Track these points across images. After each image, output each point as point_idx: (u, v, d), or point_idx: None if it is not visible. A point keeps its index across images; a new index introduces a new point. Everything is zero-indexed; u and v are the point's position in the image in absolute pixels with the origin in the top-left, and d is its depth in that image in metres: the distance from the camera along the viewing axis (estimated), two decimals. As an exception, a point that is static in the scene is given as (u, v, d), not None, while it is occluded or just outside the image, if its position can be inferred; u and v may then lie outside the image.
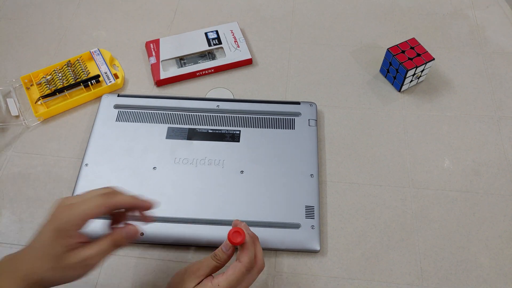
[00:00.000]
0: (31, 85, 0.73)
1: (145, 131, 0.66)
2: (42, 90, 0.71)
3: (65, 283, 0.42)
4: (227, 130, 0.66)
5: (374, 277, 0.56)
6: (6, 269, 0.41)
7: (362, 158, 0.66)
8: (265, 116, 0.67)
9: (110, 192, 0.44)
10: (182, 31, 0.81)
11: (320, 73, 0.75)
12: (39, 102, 0.70)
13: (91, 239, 0.43)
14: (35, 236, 0.42)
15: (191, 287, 0.43)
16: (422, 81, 0.74)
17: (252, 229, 0.57)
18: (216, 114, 0.68)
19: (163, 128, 0.66)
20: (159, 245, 0.58)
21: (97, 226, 0.46)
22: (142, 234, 0.57)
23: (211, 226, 0.58)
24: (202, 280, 0.44)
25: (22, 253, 0.42)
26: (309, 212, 0.58)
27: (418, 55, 0.69)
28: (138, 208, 0.46)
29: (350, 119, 0.70)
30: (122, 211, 0.47)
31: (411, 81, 0.72)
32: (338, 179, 0.64)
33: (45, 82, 0.72)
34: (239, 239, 0.44)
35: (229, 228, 0.57)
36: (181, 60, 0.76)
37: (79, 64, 0.74)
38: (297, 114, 0.68)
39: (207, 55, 0.77)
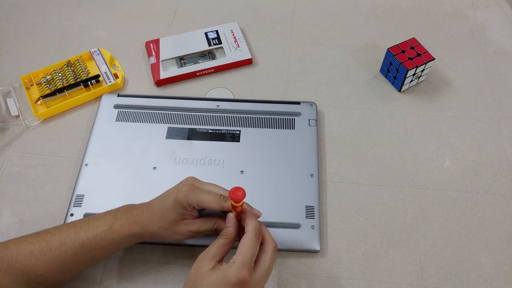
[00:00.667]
0: (31, 85, 0.73)
1: (145, 131, 0.66)
2: (42, 90, 0.71)
3: (171, 241, 0.54)
4: (227, 130, 0.66)
5: (374, 277, 0.55)
6: (126, 213, 0.51)
7: (362, 158, 0.66)
8: (265, 116, 0.67)
9: (221, 200, 0.49)
10: (182, 31, 0.81)
11: (320, 73, 0.75)
12: (39, 102, 0.70)
13: (199, 216, 0.52)
14: (158, 198, 0.52)
15: (206, 269, 0.44)
16: (422, 81, 0.74)
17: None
18: (216, 114, 0.68)
19: (163, 128, 0.66)
20: (159, 245, 0.58)
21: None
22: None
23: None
24: (217, 263, 0.45)
25: (143, 207, 0.52)
26: (309, 212, 0.58)
27: (418, 55, 0.69)
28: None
29: (350, 119, 0.70)
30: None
31: (411, 81, 0.72)
32: (338, 179, 0.63)
33: (45, 82, 0.72)
34: (240, 193, 0.45)
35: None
36: (181, 60, 0.76)
37: (79, 64, 0.74)
38: (297, 114, 0.68)
39: (207, 55, 0.77)
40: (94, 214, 0.58)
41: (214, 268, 0.44)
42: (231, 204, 0.47)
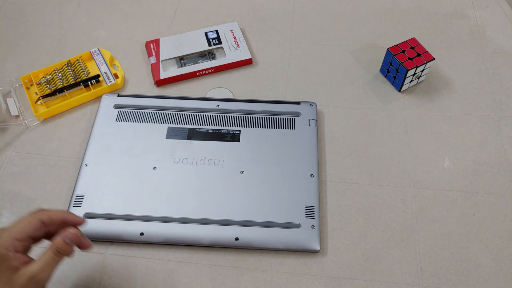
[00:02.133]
0: (31, 85, 0.73)
1: (145, 131, 0.66)
2: (42, 90, 0.71)
3: None
4: (227, 130, 0.66)
5: (374, 277, 0.55)
6: None
7: (362, 158, 0.66)
8: (265, 116, 0.67)
9: (40, 210, 0.44)
10: (182, 31, 0.81)
11: (320, 73, 0.75)
12: (39, 102, 0.70)
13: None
14: None
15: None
16: (422, 81, 0.74)
17: (253, 229, 0.57)
18: (216, 114, 0.68)
19: (163, 128, 0.66)
20: (159, 245, 0.58)
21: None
22: (142, 234, 0.57)
23: (211, 226, 0.58)
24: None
25: None
26: (309, 212, 0.58)
27: (418, 55, 0.69)
28: (70, 223, 0.46)
29: (350, 119, 0.70)
30: (56, 230, 0.46)
31: (411, 81, 0.72)
32: (338, 179, 0.63)
33: (45, 82, 0.72)
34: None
35: (227, 227, 0.57)
36: (181, 60, 0.76)
37: (79, 64, 0.74)
38: (297, 114, 0.68)
39: (207, 55, 0.77)
40: (94, 214, 0.58)
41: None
42: None
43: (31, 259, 0.43)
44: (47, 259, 0.43)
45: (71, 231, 0.44)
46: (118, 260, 0.57)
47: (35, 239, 0.45)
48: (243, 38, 0.78)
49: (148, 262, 0.57)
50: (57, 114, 0.71)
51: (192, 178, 0.61)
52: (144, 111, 0.68)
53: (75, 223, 0.47)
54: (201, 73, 0.75)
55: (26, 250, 0.44)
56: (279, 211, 0.59)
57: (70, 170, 0.64)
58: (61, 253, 0.44)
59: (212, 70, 0.75)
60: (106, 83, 0.72)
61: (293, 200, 0.59)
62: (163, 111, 0.68)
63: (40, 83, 0.72)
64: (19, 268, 0.41)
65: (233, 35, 0.79)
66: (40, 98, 0.70)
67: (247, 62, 0.76)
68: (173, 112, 0.68)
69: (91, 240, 0.58)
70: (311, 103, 0.69)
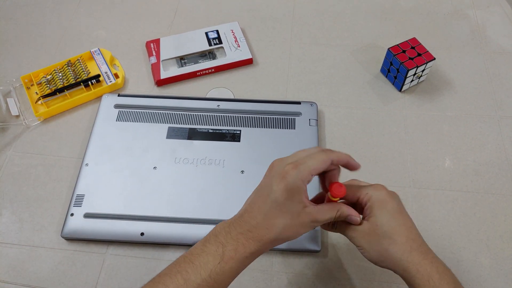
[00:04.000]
0: (31, 85, 0.73)
1: (146, 130, 0.66)
2: (42, 89, 0.71)
3: (290, 240, 0.44)
4: (227, 130, 0.66)
5: (375, 277, 0.55)
6: (232, 234, 0.43)
7: (362, 158, 0.66)
8: (266, 116, 0.67)
9: (327, 149, 0.46)
10: (182, 30, 0.81)
11: (321, 73, 0.75)
12: (39, 102, 0.70)
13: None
14: (260, 199, 0.44)
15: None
16: (422, 80, 0.74)
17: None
18: (217, 114, 0.68)
19: (163, 127, 0.66)
20: (159, 245, 0.58)
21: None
22: (142, 234, 0.57)
23: (211, 226, 0.57)
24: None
25: (247, 218, 0.43)
26: (310, 212, 0.58)
27: (419, 54, 0.69)
28: (351, 167, 0.47)
29: (350, 118, 0.70)
30: (335, 169, 0.47)
31: (412, 80, 0.71)
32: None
33: (45, 81, 0.72)
34: (342, 190, 0.44)
35: None
36: (182, 60, 0.76)
37: (80, 64, 0.74)
38: (298, 114, 0.68)
39: (208, 54, 0.77)
40: (95, 214, 0.58)
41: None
42: (328, 197, 0.46)
43: (322, 206, 0.45)
44: (330, 215, 0.44)
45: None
46: (119, 260, 0.57)
47: None
48: (244, 38, 0.78)
49: (148, 262, 0.57)
50: (57, 114, 0.71)
51: (192, 178, 0.61)
52: (144, 111, 0.68)
53: (355, 168, 0.48)
54: (201, 73, 0.75)
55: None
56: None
57: (70, 170, 0.64)
58: (337, 219, 0.45)
59: (213, 70, 0.75)
60: (107, 83, 0.72)
61: (294, 200, 0.59)
62: (163, 111, 0.68)
63: (40, 83, 0.72)
64: (307, 206, 0.43)
65: (233, 35, 0.79)
66: (41, 98, 0.70)
67: (248, 62, 0.76)
68: (173, 112, 0.68)
69: (92, 240, 0.58)
70: (311, 103, 0.69)
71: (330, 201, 0.46)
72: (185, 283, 0.41)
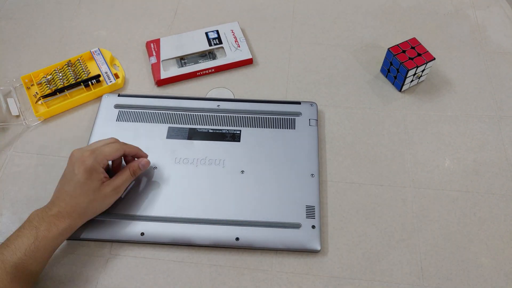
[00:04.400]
0: (31, 85, 0.73)
1: (146, 131, 0.66)
2: (42, 89, 0.71)
3: (101, 211, 0.55)
4: (227, 130, 0.66)
5: (375, 277, 0.55)
6: (44, 217, 0.51)
7: (362, 158, 0.66)
8: (266, 116, 0.67)
9: (119, 141, 0.58)
10: (182, 30, 0.81)
11: (321, 73, 0.75)
12: (39, 102, 0.70)
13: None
14: (67, 183, 0.53)
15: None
16: (422, 81, 0.74)
17: (253, 228, 0.57)
18: (217, 114, 0.68)
19: (163, 128, 0.66)
20: (159, 245, 0.58)
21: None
22: (142, 234, 0.57)
23: (211, 225, 0.58)
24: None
25: (56, 201, 0.53)
26: (310, 212, 0.58)
27: (419, 54, 0.69)
28: (139, 156, 0.60)
29: (350, 119, 0.70)
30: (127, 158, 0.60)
31: (412, 80, 0.72)
32: (338, 179, 0.63)
33: (45, 82, 0.72)
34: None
35: (227, 227, 0.57)
36: (182, 60, 0.76)
37: (80, 64, 0.74)
38: (298, 114, 0.68)
39: (208, 54, 0.77)
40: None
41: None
42: None
43: (117, 175, 0.56)
44: (126, 176, 0.57)
45: (144, 160, 0.59)
46: (119, 260, 0.57)
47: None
48: (244, 38, 0.78)
49: (148, 262, 0.57)
50: (57, 114, 0.71)
51: (192, 178, 0.61)
52: (144, 111, 0.68)
53: (142, 156, 0.60)
54: (201, 73, 0.75)
55: (106, 168, 0.56)
56: (279, 211, 0.59)
57: (70, 170, 0.64)
58: (135, 174, 0.58)
59: (213, 70, 0.75)
60: (107, 83, 0.72)
61: (294, 200, 0.59)
62: (163, 111, 0.68)
63: (40, 83, 0.72)
64: (105, 181, 0.55)
65: (233, 35, 0.79)
66: (41, 98, 0.70)
67: (248, 62, 0.76)
68: (173, 112, 0.68)
69: (92, 240, 0.58)
70: (311, 103, 0.69)
71: None
72: (2, 264, 0.47)
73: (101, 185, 0.54)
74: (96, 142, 0.57)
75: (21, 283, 0.48)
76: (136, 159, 0.60)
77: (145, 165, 0.59)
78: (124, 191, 0.58)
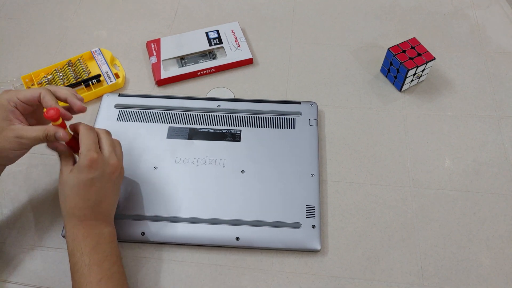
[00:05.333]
0: (32, 85, 0.73)
1: (146, 130, 0.66)
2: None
3: (2, 154, 0.49)
4: (228, 129, 0.66)
5: (375, 276, 0.56)
6: None
7: (362, 157, 0.66)
8: (266, 116, 0.67)
9: (46, 88, 0.51)
10: (183, 30, 0.81)
11: (321, 73, 0.75)
12: (40, 102, 0.70)
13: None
14: None
15: (66, 174, 0.50)
16: (422, 80, 0.74)
17: (253, 228, 0.57)
18: (217, 114, 0.68)
19: (164, 127, 0.66)
20: (160, 244, 0.58)
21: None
22: (142, 233, 0.57)
23: (211, 225, 0.58)
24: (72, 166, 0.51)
25: None
26: (310, 211, 0.59)
27: (419, 54, 0.69)
28: (72, 107, 0.52)
29: (350, 118, 0.70)
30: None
31: (412, 80, 0.72)
32: (338, 178, 0.64)
33: (46, 81, 0.72)
34: (52, 112, 0.47)
35: (228, 227, 0.57)
36: (182, 60, 0.76)
37: (80, 64, 0.74)
38: (298, 114, 0.68)
39: (208, 54, 0.77)
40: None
41: (71, 170, 0.50)
42: (52, 124, 0.49)
43: (25, 123, 0.50)
44: (37, 133, 0.49)
45: (61, 131, 0.49)
46: (119, 260, 0.57)
47: (35, 107, 0.52)
48: (244, 37, 0.78)
49: (149, 261, 0.57)
50: (58, 113, 0.71)
51: (193, 178, 0.61)
52: (145, 110, 0.68)
53: (76, 110, 0.52)
54: (202, 72, 0.75)
55: (25, 112, 0.51)
56: (279, 210, 0.59)
57: (71, 170, 0.64)
58: (47, 139, 0.49)
59: (213, 70, 0.75)
60: (107, 83, 0.72)
61: (294, 200, 0.59)
62: (164, 111, 0.68)
63: (41, 83, 0.72)
64: (14, 124, 0.49)
65: (234, 35, 0.79)
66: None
67: (248, 62, 0.76)
68: (174, 112, 0.68)
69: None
70: (311, 103, 0.69)
71: (59, 126, 0.49)
72: None
73: (7, 126, 0.49)
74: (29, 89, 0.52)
75: None
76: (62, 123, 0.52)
77: (61, 137, 0.50)
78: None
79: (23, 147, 0.50)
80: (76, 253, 0.48)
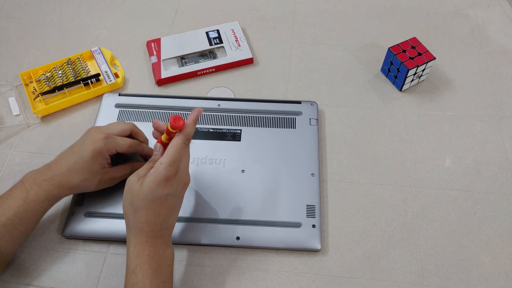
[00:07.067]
0: (30, 82, 0.72)
1: (146, 130, 0.66)
2: (41, 87, 0.71)
3: (87, 191, 0.56)
4: (228, 129, 0.66)
5: (375, 276, 0.56)
6: (36, 181, 0.52)
7: (363, 157, 0.66)
8: (266, 115, 0.67)
9: (137, 139, 0.58)
10: (183, 30, 0.81)
11: (321, 72, 0.75)
12: (38, 99, 0.70)
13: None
14: (71, 154, 0.54)
15: (138, 187, 0.48)
16: (423, 80, 0.74)
17: (253, 228, 0.57)
18: (217, 113, 0.68)
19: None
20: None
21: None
22: None
23: (212, 225, 0.58)
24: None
25: (53, 168, 0.53)
26: (310, 211, 0.58)
27: (419, 54, 0.69)
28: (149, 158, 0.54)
29: (351, 118, 0.70)
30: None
31: (412, 80, 0.72)
32: (339, 178, 0.64)
33: (44, 79, 0.72)
34: (181, 123, 0.49)
35: (228, 226, 0.57)
36: (182, 59, 0.76)
37: (80, 63, 0.74)
38: (298, 113, 0.68)
39: (208, 54, 0.77)
40: (95, 213, 0.58)
41: (143, 181, 0.48)
42: (167, 129, 0.50)
43: (118, 166, 0.57)
44: (125, 172, 0.57)
45: (143, 172, 0.50)
46: (119, 259, 0.57)
47: None
48: (244, 37, 0.78)
49: (149, 261, 0.57)
50: (57, 112, 0.70)
51: (193, 178, 0.61)
52: (145, 110, 0.68)
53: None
54: (202, 72, 0.75)
55: (113, 156, 0.56)
56: (280, 210, 0.59)
57: (71, 169, 0.64)
58: (132, 173, 0.51)
59: (213, 70, 0.75)
60: (106, 82, 0.72)
61: (294, 199, 0.59)
62: (164, 111, 0.68)
63: (39, 80, 0.72)
64: (106, 167, 0.55)
65: (234, 34, 0.79)
66: (39, 95, 0.69)
67: (248, 62, 0.76)
68: (174, 112, 0.68)
69: (93, 239, 0.58)
70: (312, 103, 0.69)
71: (169, 133, 0.50)
72: None
73: (101, 170, 0.54)
74: (115, 124, 0.58)
75: (10, 242, 0.51)
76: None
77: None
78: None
79: (113, 183, 0.57)
80: (138, 273, 0.46)
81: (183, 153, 0.49)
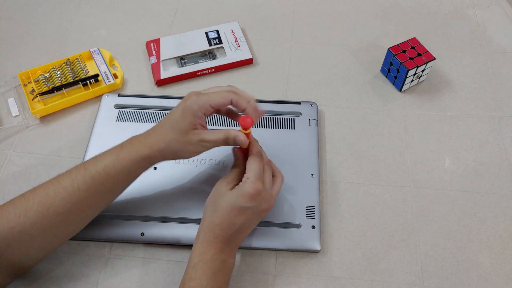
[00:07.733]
0: (28, 82, 0.72)
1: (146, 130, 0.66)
2: (39, 87, 0.71)
3: (181, 157, 0.53)
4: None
5: (375, 277, 0.55)
6: (132, 141, 0.52)
7: (362, 157, 0.66)
8: (266, 116, 0.67)
9: (235, 90, 0.52)
10: (182, 30, 0.81)
11: (321, 73, 0.75)
12: (36, 99, 0.70)
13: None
14: (166, 116, 0.52)
15: (225, 189, 0.50)
16: (423, 80, 0.74)
17: (253, 229, 0.57)
18: (217, 113, 0.67)
19: (163, 127, 0.66)
20: (159, 245, 0.58)
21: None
22: (142, 234, 0.57)
23: (211, 226, 0.57)
24: (234, 186, 0.51)
25: (150, 131, 0.53)
26: (310, 212, 0.58)
27: (419, 54, 0.69)
28: (250, 113, 0.51)
29: (351, 118, 0.70)
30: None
31: (412, 80, 0.71)
32: (338, 179, 0.63)
33: (43, 79, 0.72)
34: (249, 120, 0.50)
35: None
36: (182, 60, 0.76)
37: (78, 63, 0.74)
38: (298, 114, 0.68)
39: (208, 54, 0.77)
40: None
41: (232, 189, 0.50)
42: (240, 130, 0.51)
43: (205, 127, 0.52)
44: (219, 137, 0.51)
45: (242, 137, 0.51)
46: (119, 260, 0.57)
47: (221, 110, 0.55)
48: (244, 37, 0.78)
49: (148, 262, 0.57)
50: (55, 112, 0.70)
51: (192, 178, 0.61)
52: (144, 111, 0.68)
53: (252, 116, 0.51)
54: (201, 73, 0.75)
55: (208, 115, 0.52)
56: (279, 211, 0.58)
57: (70, 170, 0.64)
58: (227, 143, 0.51)
59: (213, 70, 0.75)
60: (105, 83, 0.72)
61: (294, 200, 0.59)
62: (163, 111, 0.68)
63: (38, 80, 0.72)
64: (197, 128, 0.51)
65: (233, 34, 0.79)
66: (38, 95, 0.69)
67: (248, 62, 0.76)
68: (173, 112, 0.68)
69: (92, 240, 0.58)
70: (311, 103, 0.69)
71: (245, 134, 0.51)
72: (84, 172, 0.50)
73: (190, 130, 0.50)
74: (213, 87, 0.54)
75: (94, 197, 0.50)
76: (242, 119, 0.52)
77: (241, 142, 0.51)
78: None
79: (204, 149, 0.52)
80: (198, 270, 0.47)
81: (261, 164, 0.51)
